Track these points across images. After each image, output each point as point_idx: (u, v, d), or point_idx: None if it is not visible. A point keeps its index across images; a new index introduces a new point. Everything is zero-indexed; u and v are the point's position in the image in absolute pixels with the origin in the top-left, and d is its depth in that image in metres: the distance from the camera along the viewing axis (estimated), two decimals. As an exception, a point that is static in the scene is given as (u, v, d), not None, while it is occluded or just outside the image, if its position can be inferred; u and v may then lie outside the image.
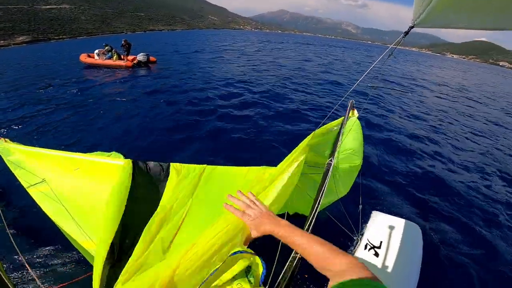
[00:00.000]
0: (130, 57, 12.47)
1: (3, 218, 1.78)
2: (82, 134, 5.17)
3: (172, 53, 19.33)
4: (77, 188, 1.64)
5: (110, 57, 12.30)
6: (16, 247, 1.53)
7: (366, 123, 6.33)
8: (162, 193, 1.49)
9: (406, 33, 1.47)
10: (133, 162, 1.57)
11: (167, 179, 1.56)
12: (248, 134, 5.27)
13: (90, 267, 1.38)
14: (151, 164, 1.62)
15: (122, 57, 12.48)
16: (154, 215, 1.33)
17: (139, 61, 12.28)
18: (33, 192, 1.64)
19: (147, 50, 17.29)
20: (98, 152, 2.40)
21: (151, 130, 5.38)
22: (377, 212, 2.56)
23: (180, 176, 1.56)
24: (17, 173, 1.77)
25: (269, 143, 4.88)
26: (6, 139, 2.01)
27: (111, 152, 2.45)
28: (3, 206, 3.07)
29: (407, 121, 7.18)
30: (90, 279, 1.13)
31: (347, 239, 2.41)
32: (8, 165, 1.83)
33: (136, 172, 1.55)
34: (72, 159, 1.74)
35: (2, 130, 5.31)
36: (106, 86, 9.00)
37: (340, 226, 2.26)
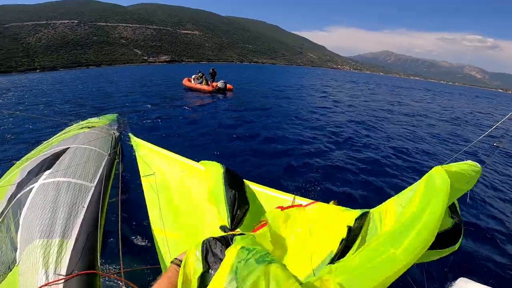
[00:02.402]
0: (214, 84, 14.52)
1: (119, 200, 2.11)
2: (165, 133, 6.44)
3: (258, 84, 21.70)
4: (176, 187, 2.02)
5: (201, 82, 14.91)
6: (119, 225, 1.81)
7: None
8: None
9: None
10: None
11: None
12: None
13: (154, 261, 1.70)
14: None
15: (208, 82, 14.83)
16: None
17: (219, 87, 14.23)
18: (144, 181, 2.11)
19: (244, 79, 20.00)
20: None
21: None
22: (466, 279, 1.99)
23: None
24: (140, 164, 2.28)
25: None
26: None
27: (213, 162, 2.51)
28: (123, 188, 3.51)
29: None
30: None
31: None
32: (137, 156, 2.38)
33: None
34: (180, 162, 2.19)
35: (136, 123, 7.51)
36: (191, 104, 11.70)
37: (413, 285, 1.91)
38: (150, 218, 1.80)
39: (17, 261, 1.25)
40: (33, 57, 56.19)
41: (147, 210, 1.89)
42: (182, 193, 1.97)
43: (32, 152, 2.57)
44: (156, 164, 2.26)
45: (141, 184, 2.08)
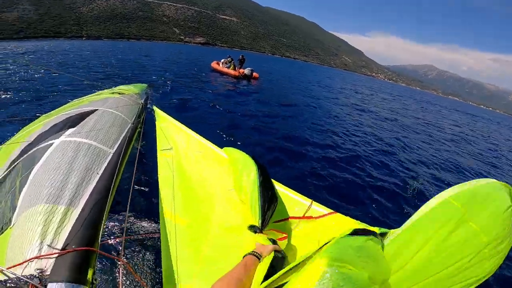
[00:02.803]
0: (241, 70, 14.83)
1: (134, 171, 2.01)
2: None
3: (288, 78, 21.47)
4: (191, 167, 1.94)
5: (229, 67, 15.32)
6: (130, 198, 1.73)
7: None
8: None
9: None
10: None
11: None
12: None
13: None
14: None
15: (236, 68, 15.15)
16: None
17: (245, 74, 14.50)
18: (160, 155, 2.04)
19: (274, 71, 19.76)
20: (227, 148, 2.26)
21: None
22: None
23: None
24: (159, 135, 2.24)
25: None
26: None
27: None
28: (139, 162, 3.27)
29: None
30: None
31: None
32: (157, 129, 2.34)
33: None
34: (199, 142, 2.09)
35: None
36: (216, 86, 11.94)
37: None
38: (160, 196, 1.69)
39: (12, 223, 1.11)
40: (82, 26, 59.31)
41: (158, 187, 1.77)
42: (196, 175, 1.88)
43: (61, 107, 2.54)
44: (175, 139, 2.19)
45: (157, 158, 1.99)
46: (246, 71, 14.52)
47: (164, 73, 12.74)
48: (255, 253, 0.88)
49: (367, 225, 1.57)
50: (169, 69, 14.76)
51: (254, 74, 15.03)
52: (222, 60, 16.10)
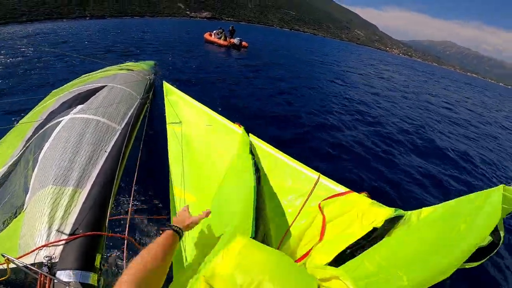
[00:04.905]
0: (231, 40, 15.94)
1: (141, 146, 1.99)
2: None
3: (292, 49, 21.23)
4: (200, 141, 1.90)
5: (220, 37, 16.40)
6: (137, 169, 1.73)
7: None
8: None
9: None
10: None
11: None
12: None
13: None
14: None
15: (226, 38, 16.21)
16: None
17: (234, 43, 15.65)
18: (169, 128, 2.01)
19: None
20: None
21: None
22: None
23: None
24: (168, 110, 2.21)
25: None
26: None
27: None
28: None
29: None
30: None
31: None
32: (166, 102, 2.31)
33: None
34: (209, 115, 2.03)
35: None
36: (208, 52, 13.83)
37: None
38: (171, 172, 1.64)
39: (24, 207, 1.08)
40: (85, 6, 57.48)
41: (167, 163, 1.73)
42: (205, 149, 1.82)
43: (71, 83, 2.50)
44: (184, 113, 2.13)
45: (165, 135, 1.93)
46: (235, 41, 15.65)
47: (161, 48, 13.03)
48: (176, 227, 0.75)
49: (382, 204, 1.46)
50: (167, 43, 15.03)
51: (243, 43, 16.06)
52: (214, 31, 17.14)
